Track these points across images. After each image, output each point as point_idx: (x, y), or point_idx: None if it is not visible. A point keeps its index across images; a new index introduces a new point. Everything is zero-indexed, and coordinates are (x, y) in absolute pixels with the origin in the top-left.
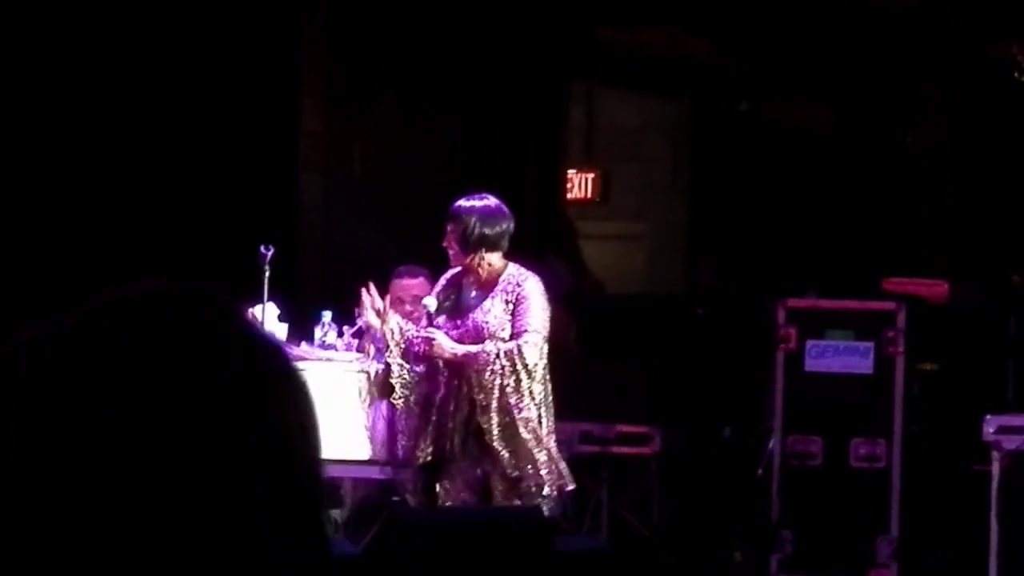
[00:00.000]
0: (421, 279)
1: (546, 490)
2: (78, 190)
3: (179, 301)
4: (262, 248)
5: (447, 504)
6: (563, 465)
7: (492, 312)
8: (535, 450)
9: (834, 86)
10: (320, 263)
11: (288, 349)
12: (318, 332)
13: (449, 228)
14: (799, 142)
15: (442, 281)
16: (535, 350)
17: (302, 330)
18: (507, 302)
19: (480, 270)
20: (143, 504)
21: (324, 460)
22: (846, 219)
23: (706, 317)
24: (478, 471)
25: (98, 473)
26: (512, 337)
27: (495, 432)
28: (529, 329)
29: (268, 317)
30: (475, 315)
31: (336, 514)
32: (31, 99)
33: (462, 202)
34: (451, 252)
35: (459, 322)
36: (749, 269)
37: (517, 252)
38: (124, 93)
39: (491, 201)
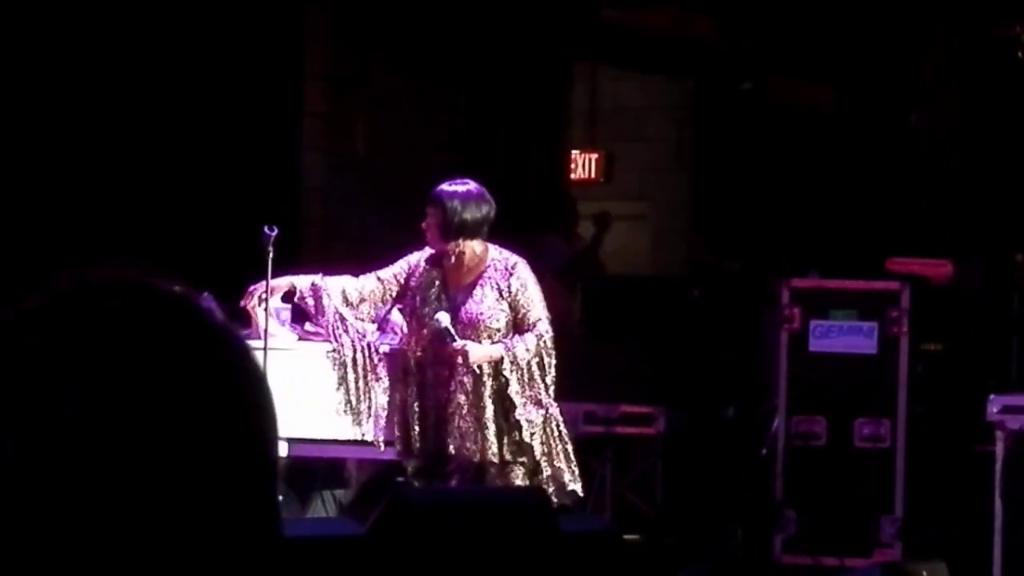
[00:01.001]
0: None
1: (570, 485)
2: (82, 171)
3: (129, 291)
4: (266, 228)
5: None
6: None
7: (485, 302)
8: (564, 449)
9: (837, 66)
10: (323, 243)
11: (241, 336)
12: None
13: (429, 212)
14: (802, 122)
15: (419, 266)
16: (551, 335)
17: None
18: (500, 292)
19: (462, 255)
20: (97, 489)
21: (278, 444)
22: (849, 199)
23: (703, 298)
24: (476, 461)
25: (53, 458)
26: (525, 329)
27: (531, 431)
28: (541, 317)
29: (272, 297)
30: (468, 306)
31: (340, 494)
32: (34, 80)
33: (443, 187)
34: (429, 235)
35: (455, 313)
36: (752, 249)
37: (520, 232)
38: (129, 75)
39: (472, 187)
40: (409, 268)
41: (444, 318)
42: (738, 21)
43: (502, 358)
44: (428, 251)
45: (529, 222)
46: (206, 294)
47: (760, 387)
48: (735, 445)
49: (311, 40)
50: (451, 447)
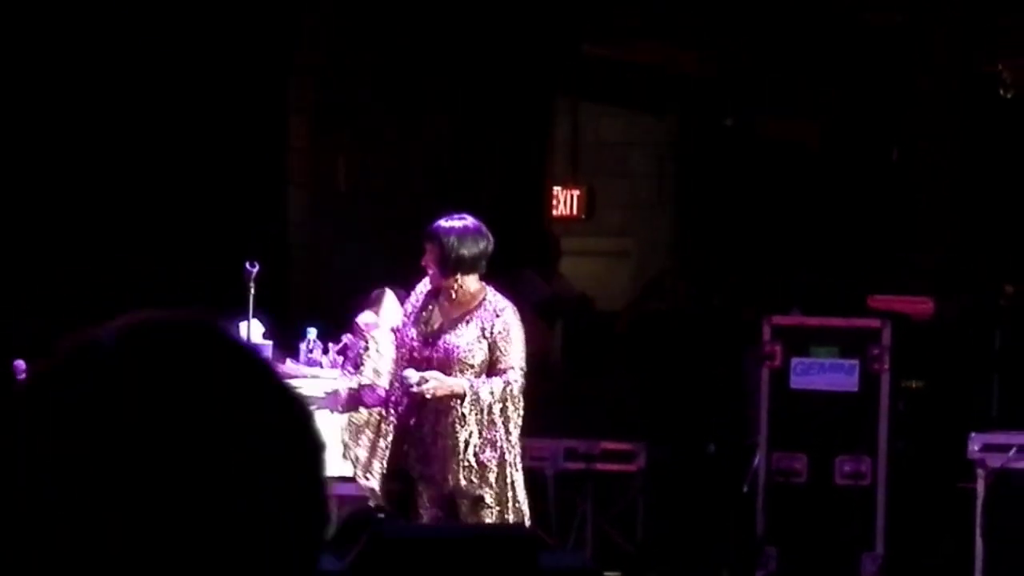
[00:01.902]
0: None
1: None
2: (65, 203)
3: (212, 336)
4: (247, 264)
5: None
6: (526, 503)
7: (465, 337)
8: (514, 496)
9: (821, 102)
10: (306, 279)
11: (302, 397)
12: (304, 348)
13: (427, 248)
14: (785, 158)
15: (419, 295)
16: (520, 385)
17: (288, 346)
18: (482, 331)
19: (456, 291)
20: (155, 520)
21: (327, 489)
22: (832, 235)
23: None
24: (445, 491)
25: (117, 487)
26: (496, 372)
27: (480, 473)
28: (515, 365)
29: (254, 333)
30: (448, 338)
31: None
32: (19, 122)
33: (441, 223)
34: (431, 272)
35: (431, 342)
36: (734, 285)
37: (500, 268)
38: (113, 108)
39: (470, 222)
40: (417, 299)
41: (412, 376)
42: (721, 57)
43: (464, 394)
44: (425, 282)
45: (510, 258)
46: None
47: (742, 424)
48: (716, 482)
49: (294, 74)
50: (415, 471)
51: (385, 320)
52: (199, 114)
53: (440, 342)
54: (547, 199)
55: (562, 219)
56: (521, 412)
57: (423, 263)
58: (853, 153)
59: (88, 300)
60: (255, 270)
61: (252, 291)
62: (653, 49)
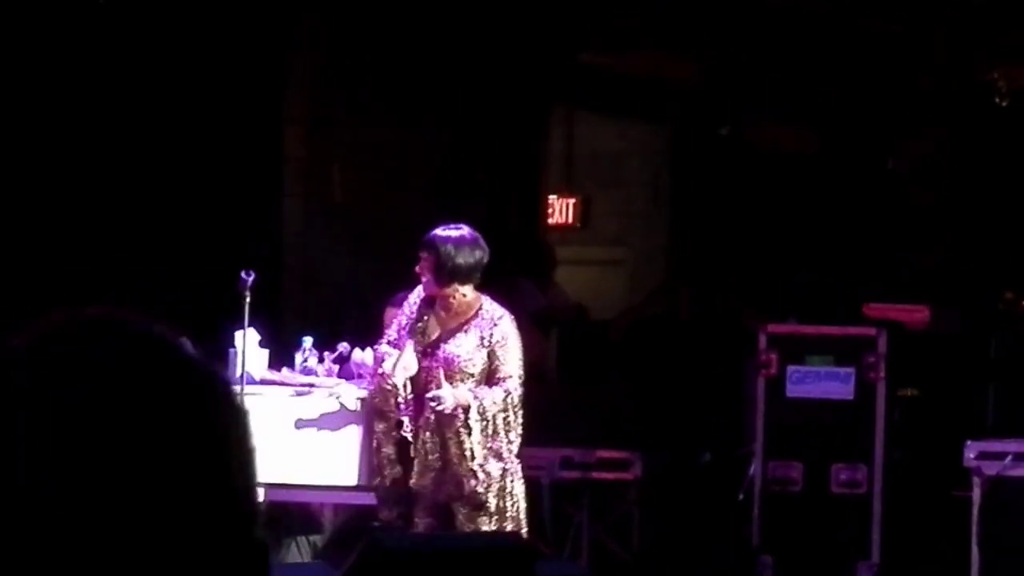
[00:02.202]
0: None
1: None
2: (62, 209)
3: (122, 329)
4: (243, 274)
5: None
6: (524, 512)
7: (464, 347)
8: (515, 505)
9: (816, 110)
10: (301, 289)
11: (225, 376)
12: (299, 357)
13: (423, 257)
14: (780, 167)
15: (414, 303)
16: (519, 394)
17: (283, 355)
18: (481, 339)
19: (452, 300)
20: (77, 521)
21: (258, 485)
22: (827, 243)
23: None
24: (439, 499)
25: (32, 499)
26: (495, 382)
27: (487, 483)
28: (514, 374)
29: (249, 343)
30: (447, 347)
31: (315, 539)
32: (16, 135)
33: (437, 232)
34: (424, 279)
35: (429, 352)
36: (730, 294)
37: (496, 278)
38: (110, 118)
39: (466, 232)
40: (412, 308)
41: (400, 379)
42: (716, 66)
43: (469, 407)
44: (418, 292)
45: (505, 267)
46: (183, 339)
47: (738, 432)
48: (712, 490)
49: (289, 85)
50: (412, 482)
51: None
52: (195, 124)
53: (439, 352)
54: (543, 208)
55: (558, 228)
56: (521, 421)
57: (418, 271)
58: (849, 161)
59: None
60: (251, 279)
61: (248, 300)
62: (648, 58)
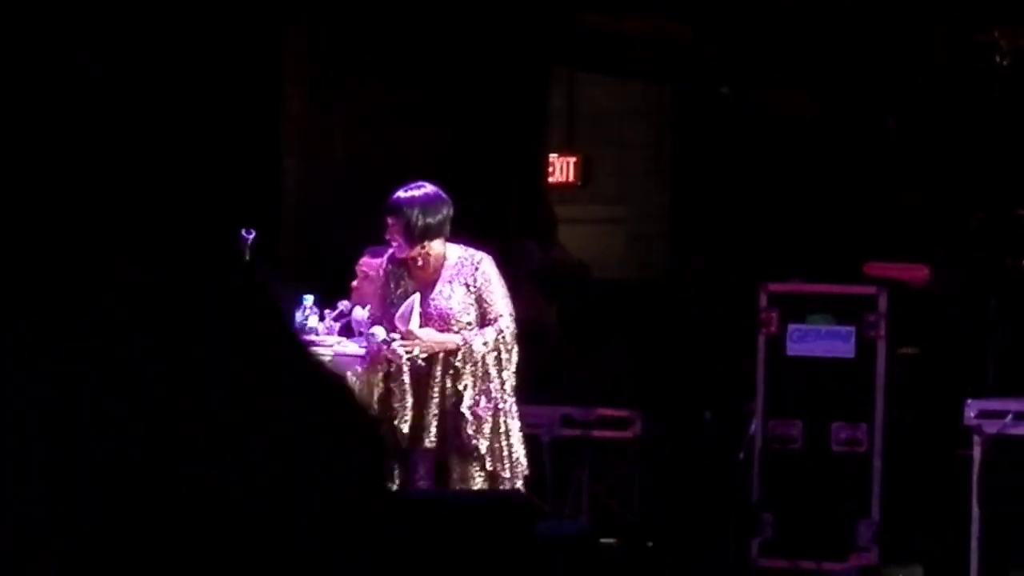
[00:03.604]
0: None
1: (518, 484)
2: (56, 172)
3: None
4: (243, 232)
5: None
6: (523, 453)
7: (454, 297)
8: (508, 445)
9: (816, 71)
10: (301, 247)
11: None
12: (299, 316)
13: (391, 222)
14: (781, 127)
15: (382, 268)
16: (512, 331)
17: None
18: (467, 286)
19: (424, 258)
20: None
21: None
22: (828, 203)
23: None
24: (435, 456)
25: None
26: (487, 323)
27: (476, 425)
28: (504, 312)
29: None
30: (436, 302)
31: None
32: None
33: (400, 194)
34: (395, 244)
35: (420, 311)
36: (730, 253)
37: (498, 237)
38: (105, 78)
39: (429, 189)
40: (383, 276)
41: (379, 332)
42: (716, 26)
43: (457, 348)
44: (384, 253)
45: (506, 226)
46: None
47: (741, 390)
48: (712, 449)
49: (289, 44)
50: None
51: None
52: (194, 84)
53: (431, 309)
54: (543, 167)
55: (558, 186)
56: (515, 359)
57: (388, 237)
58: (850, 122)
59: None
60: (251, 237)
61: (248, 258)
62: (648, 19)
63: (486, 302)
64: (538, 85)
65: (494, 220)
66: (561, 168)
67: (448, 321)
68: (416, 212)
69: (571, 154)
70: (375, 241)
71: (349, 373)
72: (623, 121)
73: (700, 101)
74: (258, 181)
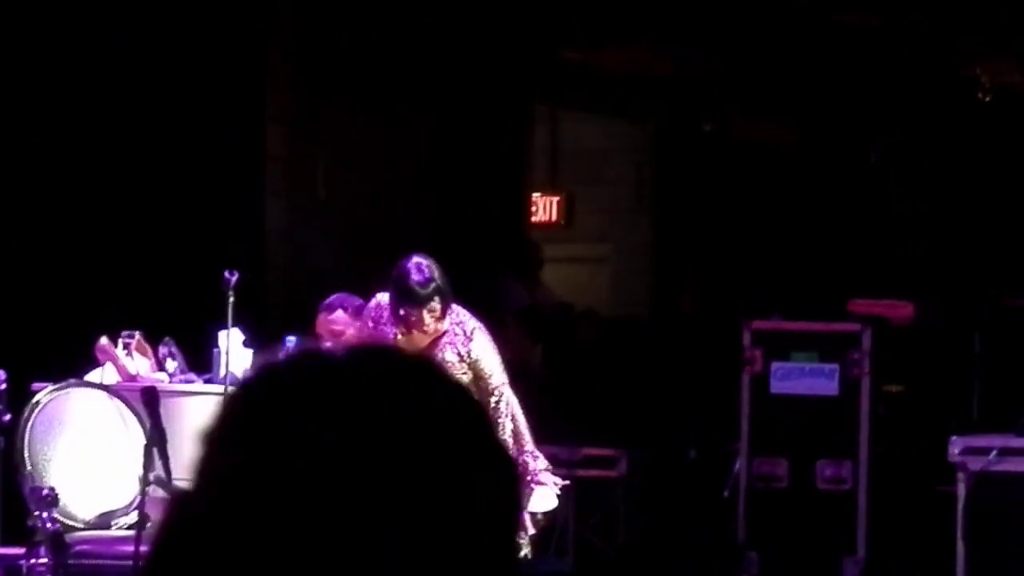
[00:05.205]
0: (339, 313)
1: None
2: (43, 210)
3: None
4: (226, 273)
5: None
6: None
7: (448, 371)
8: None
9: (798, 105)
10: (285, 288)
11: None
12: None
13: (436, 305)
14: (763, 162)
15: (378, 318)
16: (509, 394)
17: (268, 355)
18: (459, 356)
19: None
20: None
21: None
22: (811, 239)
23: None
24: None
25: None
26: (483, 391)
27: None
28: (502, 382)
29: (233, 343)
30: None
31: None
32: None
33: (428, 274)
34: (428, 329)
35: None
36: (714, 290)
37: (482, 276)
38: (91, 117)
39: (424, 262)
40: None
41: None
42: (698, 62)
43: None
44: (383, 308)
45: (490, 265)
46: (167, 339)
47: (725, 429)
48: (697, 487)
49: (271, 84)
50: None
51: None
52: (177, 124)
53: None
54: (526, 206)
55: (541, 226)
56: (522, 416)
57: (425, 328)
58: (831, 156)
59: (66, 311)
60: (234, 279)
61: (231, 300)
62: (629, 55)
63: (483, 374)
64: (521, 123)
65: (477, 260)
66: (544, 207)
67: None
68: (446, 285)
69: (554, 193)
70: (358, 281)
71: None
72: (606, 159)
73: (682, 137)
74: (241, 221)
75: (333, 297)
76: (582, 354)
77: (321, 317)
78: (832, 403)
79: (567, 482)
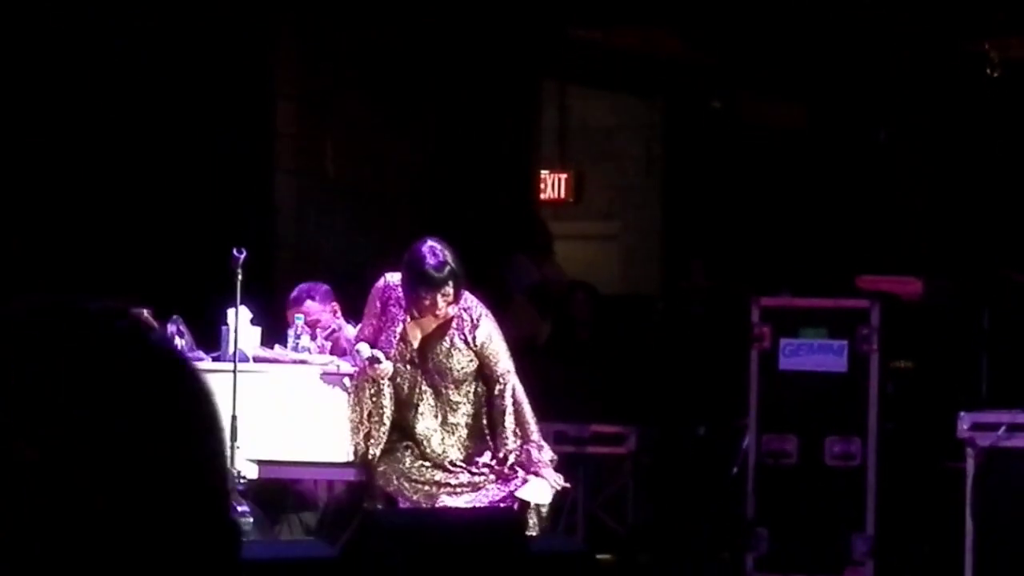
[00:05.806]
0: (309, 303)
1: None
2: (53, 192)
3: (80, 314)
4: (234, 251)
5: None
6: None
7: (454, 356)
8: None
9: (807, 83)
10: (294, 265)
11: (192, 361)
12: (291, 335)
13: (450, 289)
14: (772, 140)
15: (388, 299)
16: (515, 381)
17: (276, 333)
18: (466, 343)
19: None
20: (39, 519)
21: (227, 465)
22: (819, 216)
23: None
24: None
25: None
26: (490, 378)
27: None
28: (508, 369)
29: (242, 320)
30: (437, 359)
31: (307, 517)
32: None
33: (435, 260)
34: (440, 312)
35: (416, 361)
36: (723, 267)
37: (492, 253)
38: (99, 96)
39: (437, 246)
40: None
41: (364, 350)
42: (707, 39)
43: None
44: (391, 288)
45: (499, 243)
46: (175, 316)
47: (734, 406)
48: (706, 464)
49: (280, 61)
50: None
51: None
52: (186, 102)
53: (429, 365)
54: (535, 183)
55: (550, 203)
56: (528, 404)
57: (438, 312)
58: (840, 133)
59: (75, 285)
60: (242, 256)
61: (240, 277)
62: (638, 33)
63: (491, 359)
64: (529, 101)
65: (486, 238)
66: (553, 184)
67: (446, 375)
68: (459, 269)
69: (563, 170)
70: (366, 258)
71: (339, 389)
72: (615, 136)
73: (691, 115)
74: (250, 198)
75: (296, 290)
76: (583, 329)
77: (290, 312)
78: (841, 379)
79: (568, 485)
